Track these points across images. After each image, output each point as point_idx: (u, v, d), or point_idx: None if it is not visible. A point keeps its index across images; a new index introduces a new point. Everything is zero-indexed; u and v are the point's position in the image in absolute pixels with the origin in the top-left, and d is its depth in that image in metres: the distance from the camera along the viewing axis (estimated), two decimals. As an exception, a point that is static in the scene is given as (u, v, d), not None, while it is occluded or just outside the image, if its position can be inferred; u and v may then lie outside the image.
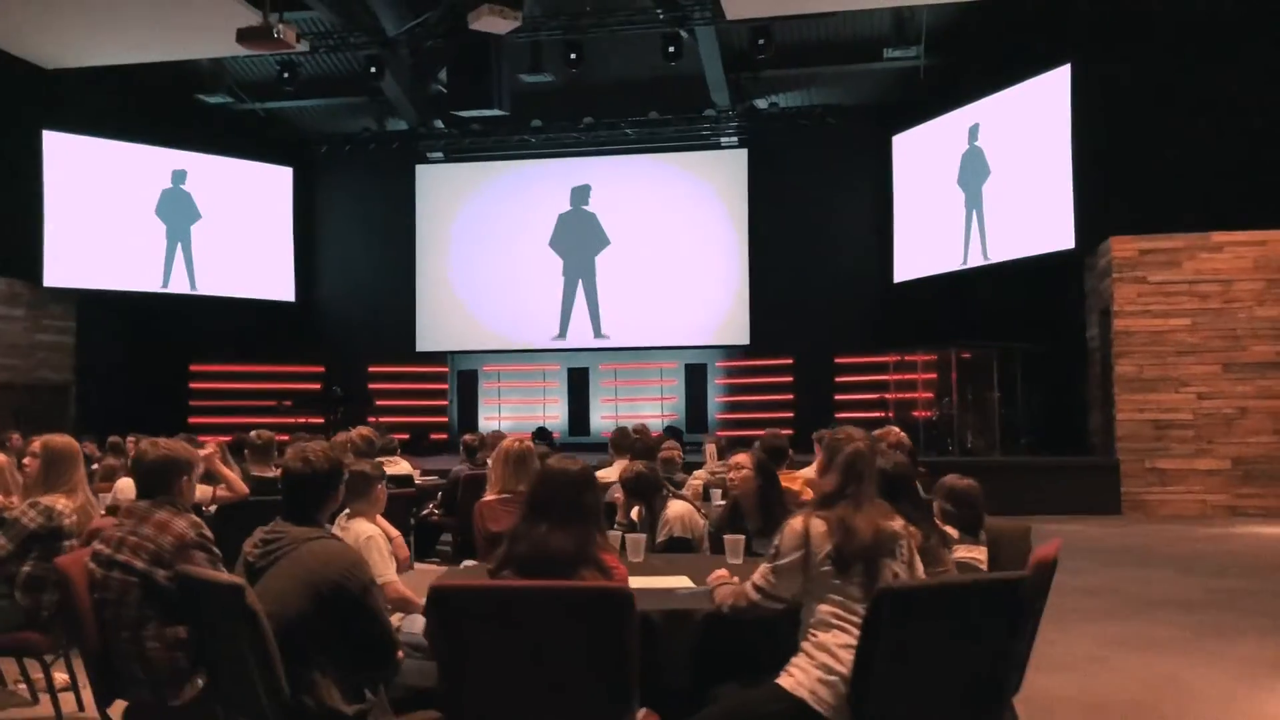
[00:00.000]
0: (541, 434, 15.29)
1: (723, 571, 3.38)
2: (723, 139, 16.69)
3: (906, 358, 14.54)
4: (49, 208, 15.10)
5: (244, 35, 8.71)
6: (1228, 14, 11.81)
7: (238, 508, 5.35)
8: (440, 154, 17.56)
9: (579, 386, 17.16)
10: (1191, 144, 11.79)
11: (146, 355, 16.08)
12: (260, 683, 2.60)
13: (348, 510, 3.86)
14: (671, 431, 15.59)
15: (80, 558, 3.31)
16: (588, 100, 16.23)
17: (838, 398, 15.78)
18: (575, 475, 2.96)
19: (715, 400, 16.88)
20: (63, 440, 4.31)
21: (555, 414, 17.10)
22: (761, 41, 13.56)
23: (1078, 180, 12.56)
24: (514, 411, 17.24)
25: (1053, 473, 12.07)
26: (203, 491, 5.43)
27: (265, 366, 16.81)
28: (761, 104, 15.94)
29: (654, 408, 16.92)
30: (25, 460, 6.20)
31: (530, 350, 17.14)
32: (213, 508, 5.46)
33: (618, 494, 4.60)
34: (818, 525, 2.87)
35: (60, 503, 4.12)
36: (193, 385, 16.69)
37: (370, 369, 17.22)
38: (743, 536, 3.92)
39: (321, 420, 16.67)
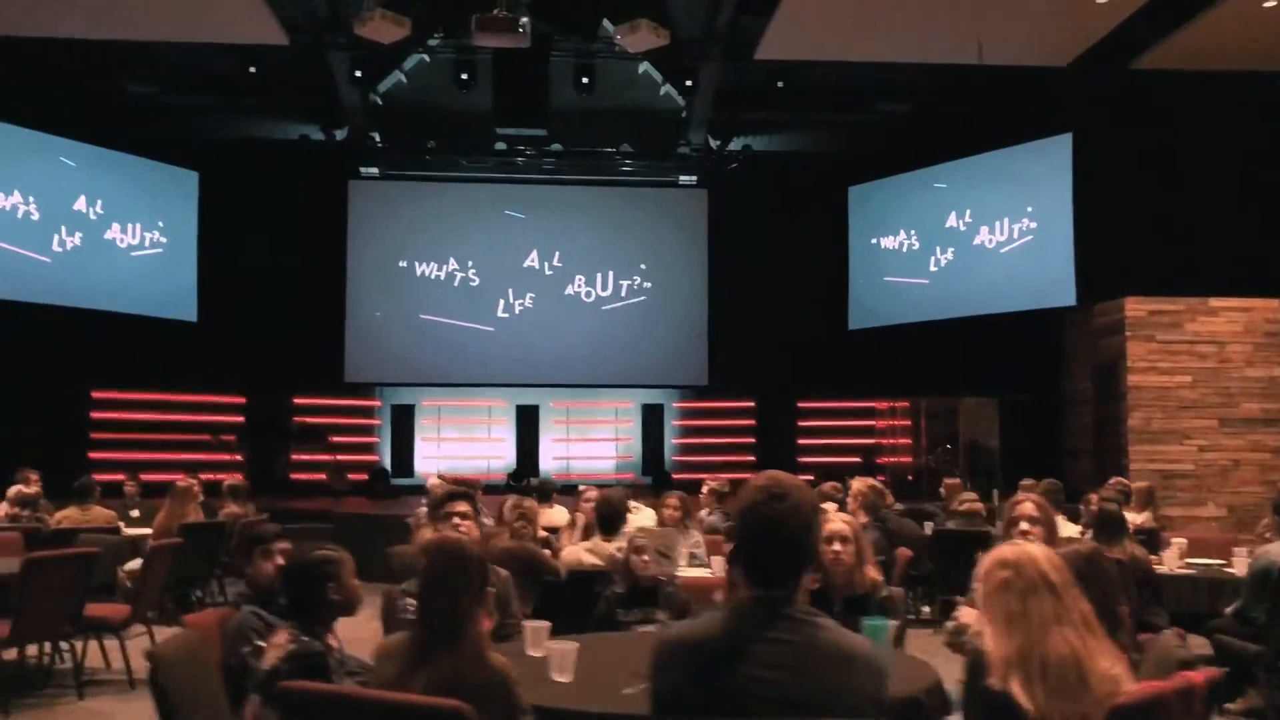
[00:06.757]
0: (518, 476, 14.32)
1: None
2: (682, 177, 16.42)
3: (893, 404, 14.81)
4: (-66, 199, 12.62)
5: (483, 25, 7.55)
6: (1215, 92, 12.94)
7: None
8: (375, 170, 16.18)
9: (528, 425, 16.16)
10: (1185, 213, 12.83)
11: (35, 379, 13.57)
12: None
13: None
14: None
15: None
16: (549, 126, 15.46)
17: (801, 442, 15.80)
18: None
19: (672, 442, 16.42)
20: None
21: (501, 454, 16.03)
22: (780, 84, 13.50)
23: (1079, 241, 13.34)
24: (455, 450, 16.01)
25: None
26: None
27: (179, 395, 14.73)
28: (735, 146, 15.79)
29: (608, 448, 16.27)
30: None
31: (475, 385, 16.02)
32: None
33: None
34: None
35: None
36: (94, 415, 14.32)
37: (295, 400, 15.49)
38: None
39: (241, 458, 14.81)
